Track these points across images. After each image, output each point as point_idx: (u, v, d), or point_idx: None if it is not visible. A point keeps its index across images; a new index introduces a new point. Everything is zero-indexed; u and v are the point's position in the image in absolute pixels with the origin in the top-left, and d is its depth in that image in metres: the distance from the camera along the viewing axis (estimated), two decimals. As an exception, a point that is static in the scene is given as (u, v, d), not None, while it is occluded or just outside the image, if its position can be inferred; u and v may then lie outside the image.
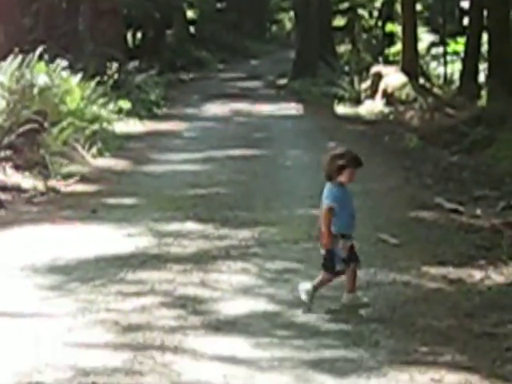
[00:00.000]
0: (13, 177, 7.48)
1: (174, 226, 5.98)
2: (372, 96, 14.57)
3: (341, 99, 15.09)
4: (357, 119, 13.49)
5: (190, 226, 5.98)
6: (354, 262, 3.93)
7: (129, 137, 11.28)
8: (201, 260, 4.96)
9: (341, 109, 14.66)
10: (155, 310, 3.94)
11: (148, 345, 3.36)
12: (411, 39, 15.16)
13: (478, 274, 4.65)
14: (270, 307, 4.06)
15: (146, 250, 5.30)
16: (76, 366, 2.97)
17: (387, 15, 22.13)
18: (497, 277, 4.69)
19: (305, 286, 3.92)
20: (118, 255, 5.11)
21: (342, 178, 3.77)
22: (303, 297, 3.88)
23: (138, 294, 4.23)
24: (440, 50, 16.54)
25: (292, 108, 15.53)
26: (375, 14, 24.78)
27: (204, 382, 2.91)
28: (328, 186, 3.86)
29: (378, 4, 24.39)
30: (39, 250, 5.16)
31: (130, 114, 12.30)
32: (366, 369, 3.04)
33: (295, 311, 3.92)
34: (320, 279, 3.91)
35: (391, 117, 12.85)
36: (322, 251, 3.92)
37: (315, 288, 3.90)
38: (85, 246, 5.26)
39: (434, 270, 4.68)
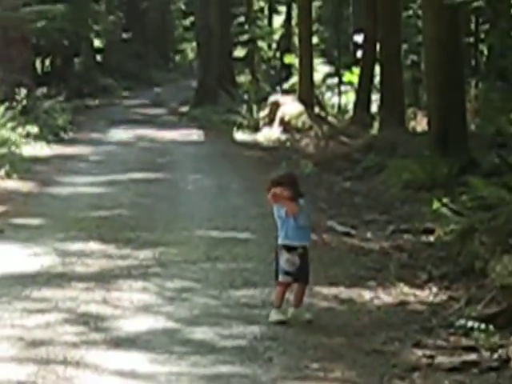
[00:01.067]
0: None
1: (78, 246, 6.16)
2: (270, 124, 14.99)
3: (240, 126, 15.62)
4: (255, 146, 13.90)
5: (93, 246, 6.16)
6: (303, 279, 4.14)
7: (36, 160, 11.51)
8: (103, 279, 5.07)
9: (240, 136, 15.13)
10: (58, 326, 4.03)
11: (51, 359, 3.42)
12: (307, 70, 15.70)
13: (367, 294, 4.87)
14: (169, 324, 4.15)
15: (50, 268, 5.43)
16: None
17: (285, 47, 23.65)
18: (385, 297, 4.92)
19: (273, 316, 4.07)
20: (23, 273, 5.23)
21: None
22: (278, 318, 4.03)
23: (42, 311, 4.31)
24: (335, 80, 17.40)
25: (193, 134, 16.02)
26: (274, 45, 26.51)
27: None
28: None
29: (276, 36, 26.16)
30: None
31: (37, 138, 12.79)
32: None
33: (193, 328, 4.02)
34: (281, 293, 4.12)
35: (288, 144, 13.32)
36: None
37: (277, 306, 4.09)
38: None
39: (326, 290, 4.85)
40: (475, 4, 10.61)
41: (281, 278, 4.15)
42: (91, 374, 3.26)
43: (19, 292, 4.74)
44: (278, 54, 25.42)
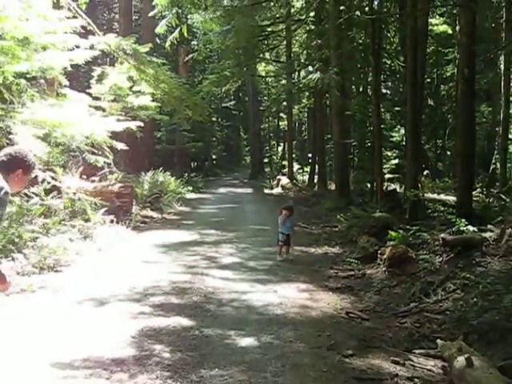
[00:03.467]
0: (150, 213, 14.21)
1: (207, 231, 12.46)
2: (277, 186, 28.21)
3: (266, 187, 27.76)
4: (271, 195, 25.50)
5: (212, 231, 12.61)
6: (287, 244, 9.41)
7: (190, 199, 21.69)
8: (216, 243, 10.77)
9: (266, 191, 28.03)
10: (199, 260, 9.01)
11: (197, 272, 7.97)
12: (291, 167, 29.70)
13: (312, 249, 9.84)
14: (239, 260, 9.08)
15: (196, 239, 11.49)
16: (172, 280, 7.41)
17: (283, 158, 42.28)
18: (319, 250, 10.26)
19: (277, 258, 9.21)
20: (186, 241, 11.15)
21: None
22: (279, 259, 9.18)
23: (192, 255, 9.44)
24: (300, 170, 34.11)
25: (249, 190, 29.45)
26: (279, 157, 47.42)
27: (215, 286, 7.02)
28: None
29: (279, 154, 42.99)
30: (159, 239, 11.03)
31: (192, 191, 24.51)
32: (273, 282, 7.48)
33: (248, 262, 8.91)
34: (280, 248, 9.42)
35: (284, 194, 23.85)
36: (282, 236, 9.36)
37: (279, 254, 9.35)
38: (174, 237, 11.30)
39: (297, 248, 9.76)
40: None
41: (279, 243, 9.48)
42: (211, 278, 7.55)
43: (185, 247, 10.13)
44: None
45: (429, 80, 26.07)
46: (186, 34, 18.41)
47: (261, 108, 43.65)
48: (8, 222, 8.85)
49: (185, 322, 5.57)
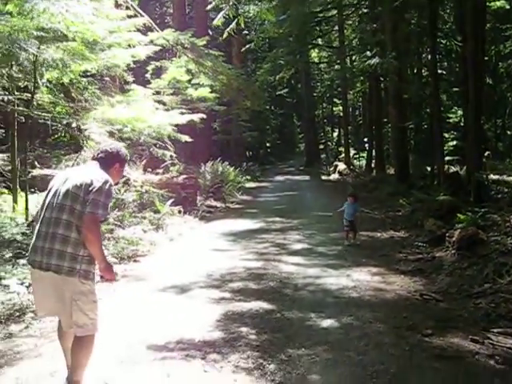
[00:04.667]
0: (213, 202, 14.67)
1: (271, 219, 12.81)
2: (334, 172, 28.77)
3: (323, 174, 27.86)
4: (329, 181, 25.97)
5: (277, 218, 13.01)
6: (353, 230, 9.56)
7: (250, 188, 22.42)
8: (282, 231, 11.10)
9: (323, 177, 28.23)
10: (269, 247, 9.29)
11: (269, 259, 8.30)
12: (347, 152, 30.15)
13: (379, 234, 10.31)
14: (307, 246, 9.29)
15: (262, 227, 11.80)
16: (246, 267, 7.73)
17: (339, 144, 42.86)
18: (385, 235, 10.24)
19: (345, 242, 9.42)
20: (252, 229, 11.53)
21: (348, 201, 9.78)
22: (347, 243, 9.38)
23: (261, 243, 9.75)
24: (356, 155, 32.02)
25: (305, 177, 29.48)
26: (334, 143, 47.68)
27: (288, 271, 7.30)
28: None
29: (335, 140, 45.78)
30: (226, 227, 11.48)
31: (250, 180, 25.10)
32: (345, 267, 7.64)
33: (317, 248, 9.09)
34: (346, 234, 9.59)
35: (341, 180, 24.36)
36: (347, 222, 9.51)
37: (346, 239, 9.50)
38: (240, 226, 11.83)
39: (364, 233, 10.09)
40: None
41: (344, 229, 9.64)
42: (284, 264, 7.84)
43: (252, 235, 10.47)
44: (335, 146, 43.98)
45: (487, 58, 25.44)
46: (242, 25, 18.67)
47: (314, 94, 43.56)
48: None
49: (265, 305, 5.83)
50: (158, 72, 18.32)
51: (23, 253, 7.42)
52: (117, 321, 5.26)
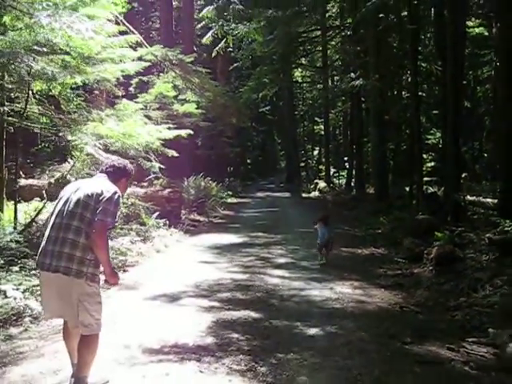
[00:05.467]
0: (197, 217, 15.06)
1: (255, 234, 13.14)
2: (314, 190, 29.39)
3: (303, 191, 28.19)
4: (309, 198, 26.37)
5: (260, 234, 13.31)
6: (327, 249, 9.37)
7: (232, 203, 23.01)
8: (265, 245, 11.34)
9: (303, 195, 28.40)
10: (255, 261, 9.58)
11: (254, 271, 8.69)
12: (327, 171, 31.15)
13: (359, 251, 10.57)
14: (291, 260, 9.63)
15: (245, 241, 12.07)
16: (233, 278, 8.27)
17: (319, 162, 44.37)
18: (365, 251, 10.67)
19: (317, 261, 9.32)
20: (236, 243, 11.81)
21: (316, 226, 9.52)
22: (320, 262, 9.23)
23: (247, 256, 10.04)
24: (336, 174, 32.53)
25: (286, 194, 30.54)
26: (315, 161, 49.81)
27: (274, 283, 7.66)
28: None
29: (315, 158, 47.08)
30: (210, 241, 11.73)
31: (232, 195, 25.16)
32: (328, 280, 8.15)
33: (300, 262, 9.45)
34: (319, 253, 9.41)
35: (321, 197, 24.37)
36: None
37: (319, 256, 9.40)
38: (225, 240, 12.00)
39: (344, 249, 10.89)
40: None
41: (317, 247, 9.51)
42: (269, 276, 8.15)
43: (237, 249, 10.78)
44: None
45: (465, 82, 26.25)
46: (231, 44, 19.13)
47: (296, 113, 44.22)
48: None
49: (253, 314, 6.12)
50: (142, 87, 18.57)
51: (15, 260, 7.62)
52: (112, 326, 5.48)
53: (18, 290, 6.64)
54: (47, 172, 18.02)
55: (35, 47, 8.73)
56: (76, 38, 8.51)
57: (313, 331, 5.56)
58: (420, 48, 19.90)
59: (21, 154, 17.74)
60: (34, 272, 7.19)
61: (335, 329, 5.63)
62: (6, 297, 6.33)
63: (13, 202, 11.09)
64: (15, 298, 6.30)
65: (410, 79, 20.08)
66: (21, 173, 14.61)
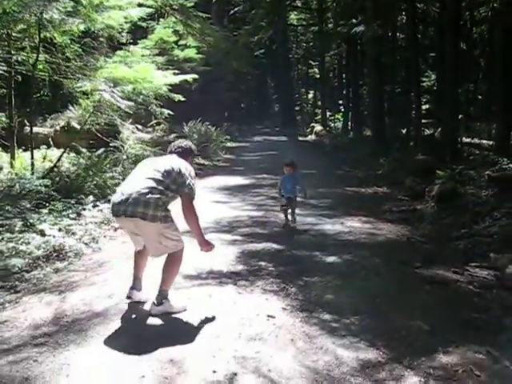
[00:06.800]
0: (202, 161, 15.67)
1: (260, 175, 13.92)
2: (311, 133, 30.13)
3: (300, 135, 28.70)
4: (306, 141, 26.83)
5: (265, 175, 13.77)
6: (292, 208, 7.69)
7: (232, 147, 23.18)
8: (273, 185, 11.18)
9: (301, 138, 29.83)
10: (265, 200, 10.16)
11: (268, 209, 9.31)
12: (324, 114, 32.65)
13: (364, 189, 11.54)
14: (300, 200, 9.86)
15: (253, 182, 12.77)
16: (249, 215, 9.00)
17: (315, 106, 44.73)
18: (369, 190, 11.22)
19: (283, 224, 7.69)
20: (244, 184, 12.38)
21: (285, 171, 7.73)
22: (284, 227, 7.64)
23: (257, 196, 10.75)
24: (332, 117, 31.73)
25: (282, 138, 31.28)
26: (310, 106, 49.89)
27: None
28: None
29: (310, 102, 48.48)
30: (219, 183, 12.21)
31: (229, 140, 24.30)
32: (337, 216, 9.33)
33: (308, 200, 9.49)
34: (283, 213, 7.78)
35: (317, 140, 24.31)
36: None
37: (285, 218, 7.70)
38: (232, 182, 12.66)
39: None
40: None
41: (281, 207, 7.93)
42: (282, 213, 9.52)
43: (246, 189, 11.54)
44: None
45: (461, 23, 26.27)
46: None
47: (290, 56, 44.03)
48: (92, 172, 10.02)
49: (275, 246, 6.71)
50: (138, 33, 18.54)
51: (43, 203, 8.11)
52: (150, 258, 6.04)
53: (53, 229, 7.15)
54: (48, 120, 18.27)
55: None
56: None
57: (331, 259, 6.15)
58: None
59: (20, 103, 18.00)
60: (64, 213, 7.70)
61: (351, 257, 6.23)
62: (45, 235, 6.85)
63: (21, 150, 11.55)
64: (54, 237, 6.83)
65: (405, 21, 20.29)
66: (25, 121, 14.93)
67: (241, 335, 4.00)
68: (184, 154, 4.79)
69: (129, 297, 4.67)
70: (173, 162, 4.56)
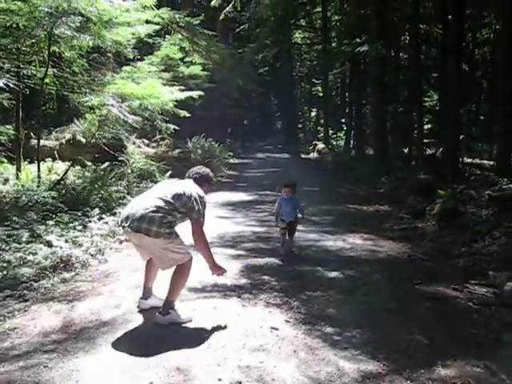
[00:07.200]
0: None
1: (263, 192, 13.95)
2: (313, 151, 30.24)
3: (302, 152, 28.61)
4: (308, 159, 27.89)
5: (268, 192, 13.49)
6: (290, 233, 7.09)
7: (235, 164, 23.47)
8: (275, 202, 11.46)
9: (302, 156, 29.93)
10: (268, 216, 9.95)
11: (271, 225, 9.12)
12: (326, 132, 32.69)
13: (364, 208, 11.66)
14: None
15: (257, 199, 12.92)
16: (252, 231, 9.27)
17: (317, 124, 44.64)
18: (370, 208, 11.28)
19: (280, 251, 7.06)
20: (248, 200, 12.45)
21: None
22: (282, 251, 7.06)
23: (260, 212, 10.84)
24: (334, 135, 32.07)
25: (285, 155, 31.24)
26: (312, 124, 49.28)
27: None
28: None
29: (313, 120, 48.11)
30: (223, 198, 12.39)
31: (233, 156, 24.67)
32: (339, 233, 9.58)
33: (311, 217, 9.93)
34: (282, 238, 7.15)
35: (320, 158, 24.88)
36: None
37: (282, 243, 7.13)
38: (236, 198, 12.87)
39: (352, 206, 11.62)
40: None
41: (280, 232, 7.36)
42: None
43: (250, 205, 11.64)
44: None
45: (464, 44, 26.57)
46: (238, 8, 19.46)
47: (293, 74, 44.42)
48: (97, 185, 10.17)
49: (277, 261, 6.83)
50: (143, 49, 18.74)
51: (50, 214, 8.24)
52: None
53: (60, 240, 7.27)
54: (54, 133, 18.44)
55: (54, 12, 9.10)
56: (101, 3, 9.01)
57: (333, 274, 6.27)
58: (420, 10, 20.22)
59: (25, 116, 18.21)
60: (70, 225, 7.83)
61: (353, 272, 6.35)
62: (52, 246, 6.97)
63: (26, 162, 11.71)
64: (61, 248, 6.95)
65: (408, 41, 20.57)
66: (31, 134, 15.10)
67: (245, 346, 4.10)
68: (200, 180, 4.98)
69: (138, 307, 4.81)
70: (186, 186, 4.72)
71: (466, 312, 5.14)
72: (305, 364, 3.82)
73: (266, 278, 6.05)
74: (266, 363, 3.80)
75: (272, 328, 4.46)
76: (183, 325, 4.55)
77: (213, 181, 5.26)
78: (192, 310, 4.88)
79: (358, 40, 17.25)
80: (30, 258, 6.36)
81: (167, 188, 4.70)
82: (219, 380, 3.53)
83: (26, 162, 11.83)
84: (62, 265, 6.56)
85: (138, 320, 4.67)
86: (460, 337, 4.43)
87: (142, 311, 4.83)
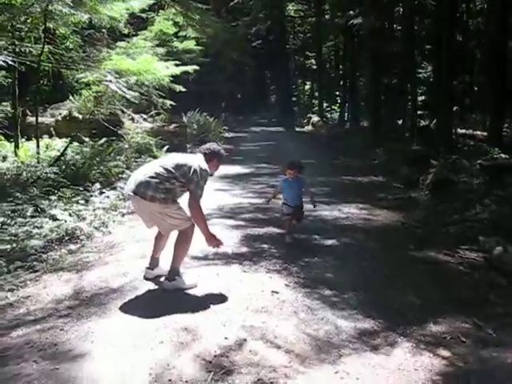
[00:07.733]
0: None
1: (259, 165, 14.37)
2: (307, 124, 30.70)
3: (297, 126, 28.80)
4: (303, 132, 26.68)
5: (264, 165, 14.29)
6: (297, 218, 6.38)
7: (230, 137, 23.63)
8: (272, 174, 12.17)
9: (297, 129, 30.37)
10: (266, 188, 10.36)
11: (268, 196, 9.55)
12: (321, 106, 32.23)
13: (365, 178, 11.93)
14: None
15: (252, 171, 13.12)
16: (250, 202, 9.40)
17: (311, 98, 44.84)
18: (374, 178, 11.96)
19: (286, 239, 6.34)
20: (245, 173, 12.63)
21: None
22: (288, 239, 6.32)
23: (257, 184, 11.06)
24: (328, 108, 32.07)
25: (280, 128, 31.21)
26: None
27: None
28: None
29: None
30: (218, 171, 11.61)
31: (227, 130, 24.77)
32: (335, 203, 9.91)
33: None
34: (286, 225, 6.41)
35: (314, 131, 24.98)
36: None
37: (288, 228, 6.40)
38: (233, 171, 12.79)
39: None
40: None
41: (284, 217, 6.78)
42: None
43: (247, 178, 11.86)
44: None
45: (458, 15, 26.53)
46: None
47: (287, 46, 44.22)
48: (96, 160, 10.33)
49: (276, 230, 7.07)
50: (136, 24, 18.67)
51: (52, 190, 8.42)
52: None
53: (64, 214, 7.48)
54: (49, 110, 18.50)
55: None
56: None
57: (330, 242, 6.53)
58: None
59: (20, 93, 18.25)
60: (73, 200, 8.03)
61: (349, 240, 6.62)
62: (57, 219, 7.18)
63: (23, 140, 11.84)
64: (65, 221, 7.16)
65: (402, 13, 20.58)
66: (27, 111, 15.17)
67: (248, 308, 4.36)
68: (210, 155, 5.04)
69: (145, 276, 5.05)
70: (191, 159, 4.87)
71: (457, 275, 5.41)
72: (305, 323, 4.08)
73: (265, 246, 6.30)
74: (268, 323, 4.05)
75: (273, 291, 4.71)
76: (188, 290, 4.77)
77: (223, 157, 5.25)
78: (196, 277, 5.09)
79: (351, 12, 17.24)
80: (36, 231, 6.57)
81: (171, 158, 4.89)
82: (225, 338, 3.77)
83: (24, 140, 11.93)
84: (67, 237, 6.76)
85: (144, 287, 4.90)
86: (450, 297, 4.69)
87: (148, 280, 5.05)
